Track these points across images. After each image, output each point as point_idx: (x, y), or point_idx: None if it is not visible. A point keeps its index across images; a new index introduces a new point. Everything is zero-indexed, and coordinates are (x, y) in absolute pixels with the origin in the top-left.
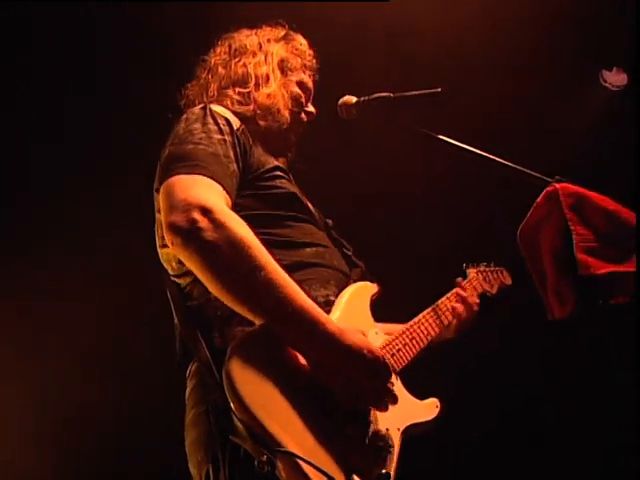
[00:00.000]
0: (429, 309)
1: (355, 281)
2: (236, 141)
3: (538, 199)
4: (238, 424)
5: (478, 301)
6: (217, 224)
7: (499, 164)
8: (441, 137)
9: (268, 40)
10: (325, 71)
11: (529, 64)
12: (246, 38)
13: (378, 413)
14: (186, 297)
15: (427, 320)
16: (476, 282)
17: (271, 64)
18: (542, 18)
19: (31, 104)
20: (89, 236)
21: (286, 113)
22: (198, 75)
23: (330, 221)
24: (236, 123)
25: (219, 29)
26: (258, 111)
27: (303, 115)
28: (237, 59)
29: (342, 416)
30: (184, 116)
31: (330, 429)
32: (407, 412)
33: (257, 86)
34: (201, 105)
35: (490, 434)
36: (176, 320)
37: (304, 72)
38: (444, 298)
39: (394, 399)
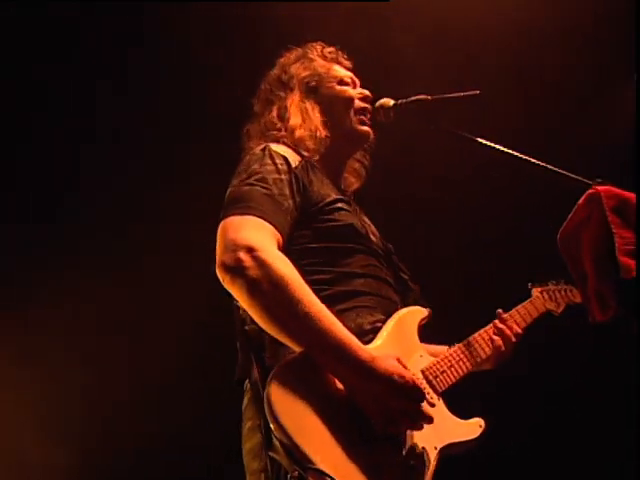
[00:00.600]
0: (471, 336)
1: (406, 306)
2: (293, 179)
3: (579, 201)
4: (275, 442)
5: (520, 332)
6: (260, 262)
7: (541, 168)
8: (482, 140)
9: (288, 67)
10: None
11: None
12: (271, 79)
13: (414, 432)
14: (244, 322)
15: (468, 348)
16: (539, 302)
17: (295, 93)
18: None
19: (32, 104)
20: (89, 236)
21: (324, 130)
22: (254, 113)
23: (391, 246)
24: (295, 161)
25: (220, 28)
26: (299, 146)
27: (358, 102)
28: (269, 107)
29: (376, 436)
30: (247, 157)
31: (364, 448)
32: (446, 431)
33: (289, 129)
34: (262, 146)
35: (525, 441)
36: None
37: (331, 69)
38: (482, 330)
39: (427, 420)
